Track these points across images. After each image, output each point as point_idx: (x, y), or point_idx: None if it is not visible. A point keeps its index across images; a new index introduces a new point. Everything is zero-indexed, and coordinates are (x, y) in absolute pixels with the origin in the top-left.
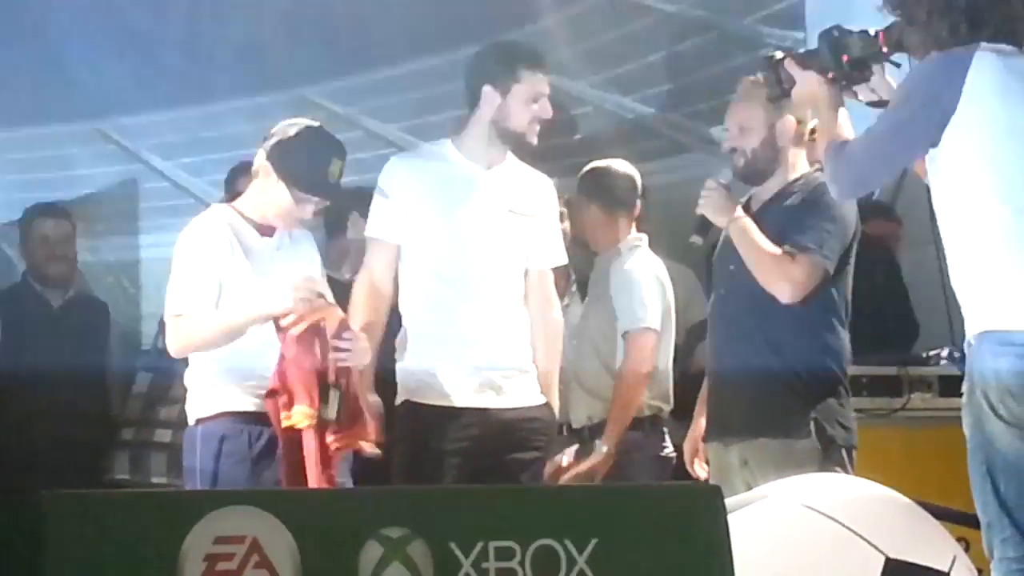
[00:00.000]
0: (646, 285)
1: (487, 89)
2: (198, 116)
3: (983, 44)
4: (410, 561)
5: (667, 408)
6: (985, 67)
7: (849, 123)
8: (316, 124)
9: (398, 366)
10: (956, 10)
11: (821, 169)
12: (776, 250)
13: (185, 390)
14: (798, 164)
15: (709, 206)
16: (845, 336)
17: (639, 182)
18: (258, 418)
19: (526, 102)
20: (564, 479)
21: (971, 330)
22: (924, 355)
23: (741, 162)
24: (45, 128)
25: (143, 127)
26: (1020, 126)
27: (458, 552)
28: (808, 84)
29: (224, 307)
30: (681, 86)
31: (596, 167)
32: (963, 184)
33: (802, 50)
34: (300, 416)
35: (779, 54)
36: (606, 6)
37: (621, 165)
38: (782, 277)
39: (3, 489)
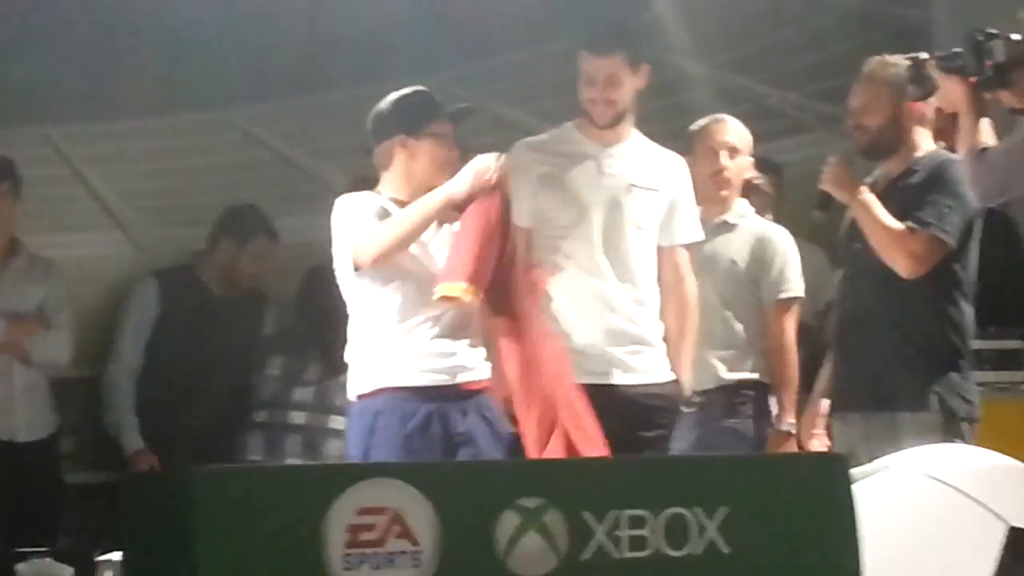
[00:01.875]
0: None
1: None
2: (321, 104)
3: None
4: (546, 530)
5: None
6: None
7: (991, 129)
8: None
9: None
10: None
11: (946, 147)
12: (898, 225)
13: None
14: (922, 143)
15: (831, 180)
16: (969, 311)
17: (749, 141)
18: (416, 393)
19: (585, 84)
20: None
21: None
22: None
23: (864, 139)
24: (173, 117)
25: (267, 114)
26: None
27: (592, 521)
28: (950, 88)
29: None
30: (803, 66)
31: (698, 125)
32: None
33: (944, 53)
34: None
35: (923, 55)
36: None
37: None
38: (902, 252)
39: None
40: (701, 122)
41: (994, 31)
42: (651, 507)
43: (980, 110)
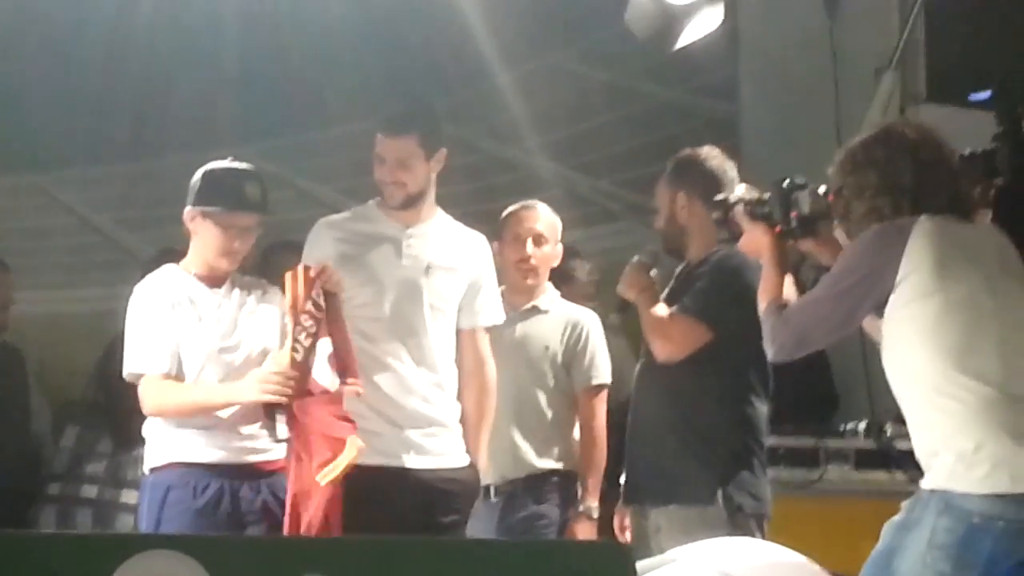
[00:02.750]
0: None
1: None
2: (134, 172)
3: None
4: None
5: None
6: (925, 237)
7: (792, 285)
8: (225, 162)
9: None
10: (901, 189)
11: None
12: (664, 313)
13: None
14: (709, 240)
15: (623, 283)
16: (763, 409)
17: (558, 228)
18: (208, 469)
19: (377, 164)
20: None
21: (925, 484)
22: (841, 428)
23: (660, 239)
24: None
25: (79, 181)
26: (961, 296)
27: None
28: (756, 236)
29: (201, 381)
30: (613, 154)
31: (508, 211)
32: (908, 350)
33: (756, 196)
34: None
35: (733, 198)
36: (540, 73)
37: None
38: (660, 335)
39: None
40: (511, 208)
41: (801, 182)
42: None
43: (783, 260)
